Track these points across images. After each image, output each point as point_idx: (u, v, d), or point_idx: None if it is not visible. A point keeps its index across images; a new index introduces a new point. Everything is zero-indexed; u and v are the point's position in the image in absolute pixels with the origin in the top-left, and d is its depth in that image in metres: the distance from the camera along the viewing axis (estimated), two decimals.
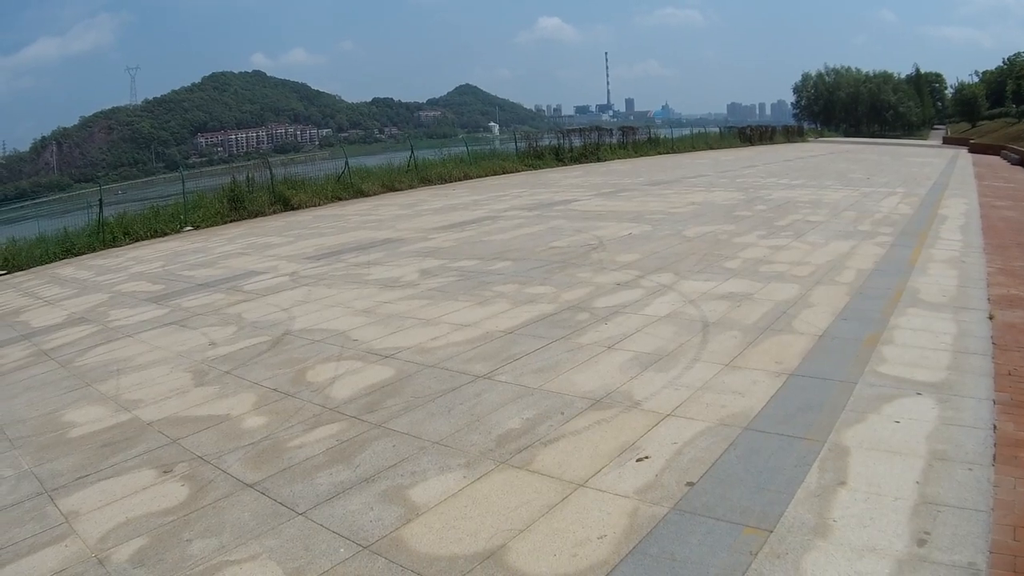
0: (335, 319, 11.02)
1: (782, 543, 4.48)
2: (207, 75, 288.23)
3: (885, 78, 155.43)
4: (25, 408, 8.63)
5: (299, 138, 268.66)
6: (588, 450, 5.92)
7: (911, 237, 15.18)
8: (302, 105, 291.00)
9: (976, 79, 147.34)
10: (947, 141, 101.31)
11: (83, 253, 24.61)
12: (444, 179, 37.72)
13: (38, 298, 17.02)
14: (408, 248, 17.15)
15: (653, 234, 16.66)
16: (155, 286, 15.98)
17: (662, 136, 63.01)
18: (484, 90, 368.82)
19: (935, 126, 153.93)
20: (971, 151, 66.73)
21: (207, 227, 27.23)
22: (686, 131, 74.19)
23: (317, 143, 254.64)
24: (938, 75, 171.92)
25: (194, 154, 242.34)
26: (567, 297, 11.10)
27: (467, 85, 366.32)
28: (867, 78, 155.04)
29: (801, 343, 8.18)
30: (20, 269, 23.28)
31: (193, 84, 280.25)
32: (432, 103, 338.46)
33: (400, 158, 39.94)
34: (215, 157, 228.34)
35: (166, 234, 26.47)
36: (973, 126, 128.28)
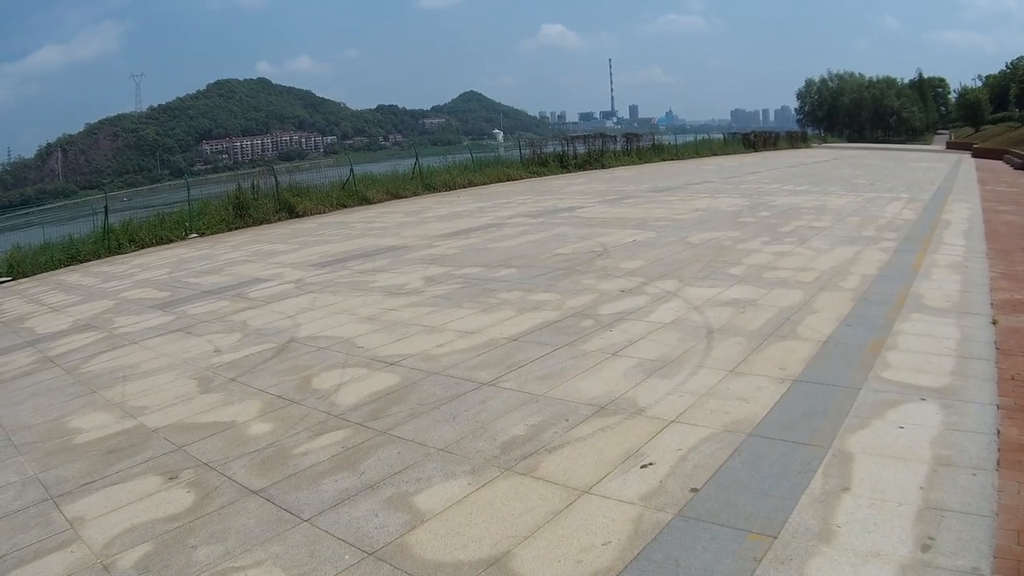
0: (340, 326, 11.03)
1: (786, 549, 4.48)
2: (212, 82, 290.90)
3: (888, 83, 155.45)
4: (30, 414, 8.65)
5: (304, 145, 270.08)
6: (593, 456, 5.92)
7: (915, 242, 15.17)
8: (307, 112, 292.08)
9: (979, 83, 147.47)
10: (951, 146, 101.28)
11: (88, 260, 24.67)
12: (449, 186, 37.81)
13: (43, 304, 17.05)
14: (413, 255, 17.18)
15: (657, 241, 16.67)
16: (160, 293, 16.04)
17: (666, 143, 63.15)
18: (488, 97, 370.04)
19: (939, 131, 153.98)
20: (974, 155, 66.80)
21: (212, 234, 27.33)
22: (690, 137, 74.36)
23: (322, 150, 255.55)
24: (941, 80, 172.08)
25: (199, 161, 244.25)
26: (572, 304, 11.11)
27: (471, 92, 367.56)
28: (870, 83, 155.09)
29: (805, 349, 8.18)
30: (25, 276, 23.33)
31: (198, 91, 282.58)
32: (436, 110, 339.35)
33: (405, 165, 40.06)
34: (220, 164, 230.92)
35: (171, 241, 26.52)
36: (977, 130, 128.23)
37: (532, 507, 5.23)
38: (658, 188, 31.41)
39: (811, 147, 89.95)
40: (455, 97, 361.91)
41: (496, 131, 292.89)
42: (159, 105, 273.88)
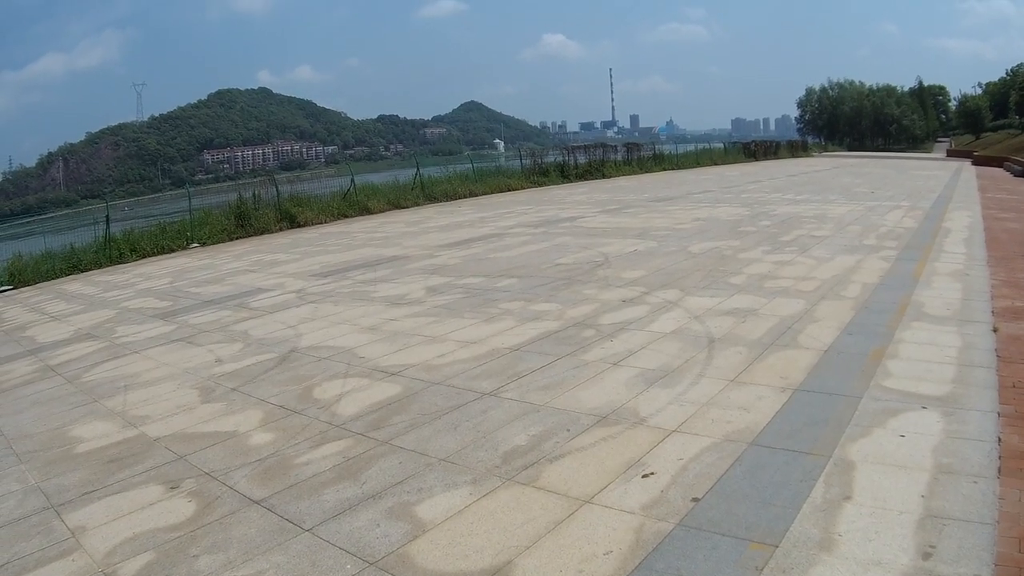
0: (342, 336, 11.05)
1: (787, 558, 4.49)
2: (213, 92, 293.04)
3: (888, 91, 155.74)
4: (32, 423, 8.67)
5: (305, 155, 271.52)
6: (594, 466, 5.93)
7: (915, 251, 15.18)
8: (308, 122, 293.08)
9: (979, 91, 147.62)
10: (951, 154, 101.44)
11: (90, 269, 24.84)
12: (450, 196, 37.95)
13: (44, 313, 17.11)
14: (414, 265, 17.22)
15: (658, 250, 16.69)
16: (162, 303, 16.09)
17: (667, 152, 63.46)
18: (489, 107, 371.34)
19: (939, 139, 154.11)
20: (975, 163, 66.85)
21: (213, 244, 27.48)
22: (690, 147, 74.74)
23: (323, 160, 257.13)
24: (941, 87, 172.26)
25: (200, 171, 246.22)
26: (573, 314, 11.11)
27: (472, 102, 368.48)
28: (870, 92, 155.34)
29: (806, 358, 8.18)
30: (27, 284, 23.43)
31: (199, 101, 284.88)
32: (437, 120, 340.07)
33: (406, 175, 40.23)
34: (221, 174, 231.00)
35: (173, 251, 26.70)
36: (977, 138, 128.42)
37: (533, 517, 5.23)
38: (659, 198, 31.49)
39: (812, 156, 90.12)
40: (456, 107, 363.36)
41: (497, 141, 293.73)
42: (160, 115, 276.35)
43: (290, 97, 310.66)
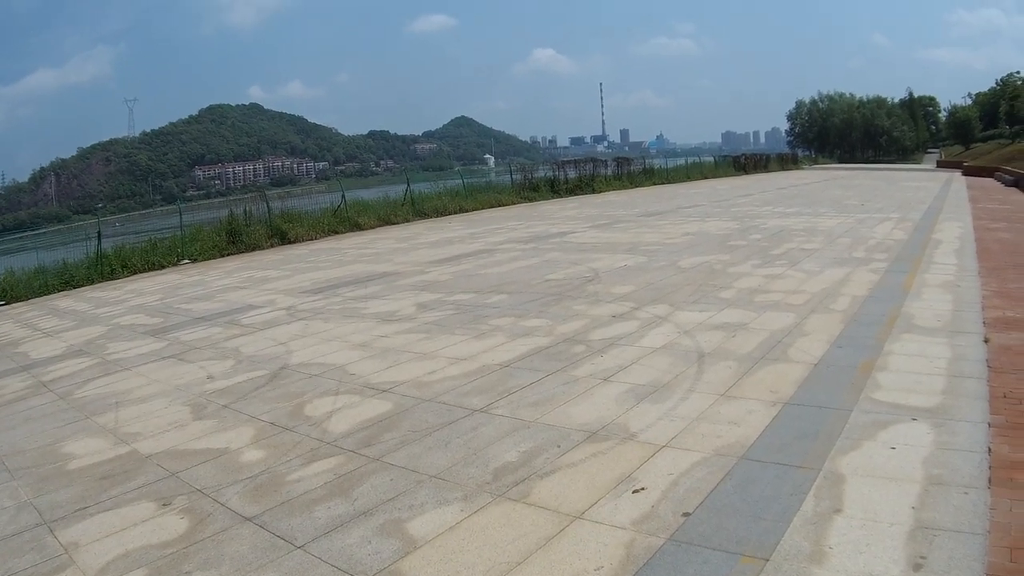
0: (332, 353, 11.08)
1: (778, 571, 4.53)
2: (204, 107, 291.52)
3: (879, 103, 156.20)
4: (24, 439, 8.68)
5: (296, 171, 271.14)
6: (585, 482, 5.96)
7: (906, 262, 15.28)
8: (299, 138, 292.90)
9: (969, 101, 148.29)
10: (941, 164, 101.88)
11: (82, 285, 24.82)
12: (440, 212, 37.94)
13: (37, 329, 17.10)
14: (405, 282, 17.24)
15: (648, 265, 16.76)
16: (153, 319, 16.12)
17: (657, 167, 63.57)
18: (479, 122, 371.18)
19: (929, 150, 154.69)
20: (965, 174, 67.17)
21: (205, 260, 27.46)
22: (681, 161, 74.89)
23: (314, 176, 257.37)
24: (931, 98, 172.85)
25: (191, 187, 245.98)
26: (563, 330, 11.15)
27: (463, 117, 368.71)
28: (861, 103, 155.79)
29: (796, 371, 8.23)
30: (19, 300, 23.44)
31: (190, 116, 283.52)
32: (428, 135, 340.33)
33: (396, 191, 40.22)
34: (212, 190, 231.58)
35: (164, 267, 26.68)
36: (967, 148, 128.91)
37: (524, 533, 5.26)
38: (649, 212, 31.61)
39: (802, 168, 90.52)
40: (446, 122, 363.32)
41: (487, 156, 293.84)
42: (152, 130, 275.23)
43: (281, 113, 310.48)
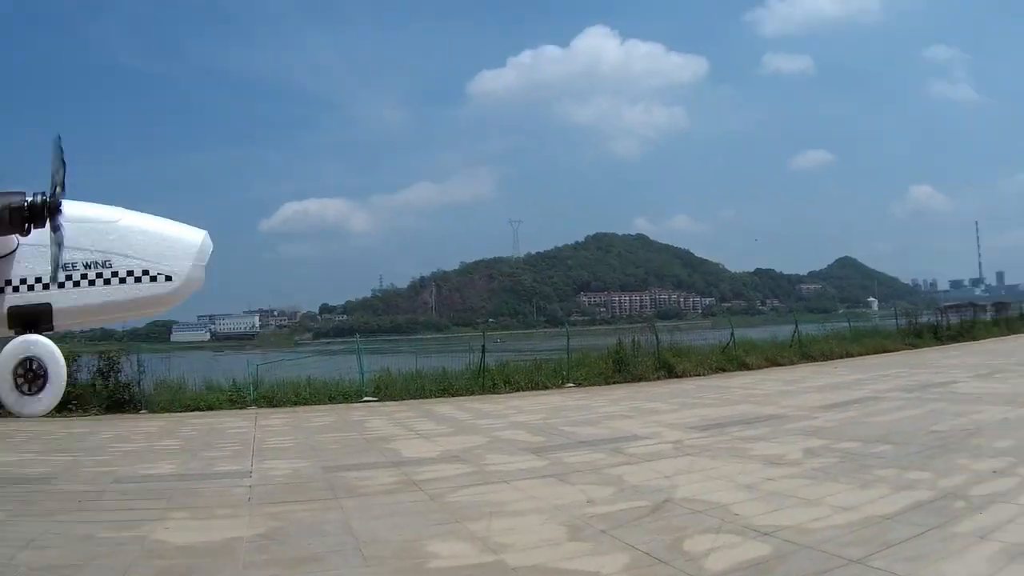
0: (717, 491, 11.16)
1: None
2: (590, 235, 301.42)
3: None
4: (387, 531, 9.43)
5: (682, 304, 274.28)
6: None
7: None
8: (685, 272, 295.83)
9: None
10: None
11: (460, 395, 26.56)
12: (826, 356, 37.62)
13: (411, 430, 18.58)
14: (791, 426, 17.16)
15: None
16: (535, 437, 16.90)
17: None
18: (863, 263, 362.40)
19: None
20: None
21: (589, 386, 28.49)
22: None
23: (700, 311, 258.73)
24: None
25: (576, 311, 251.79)
26: (945, 484, 10.74)
27: (847, 258, 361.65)
28: None
29: None
30: (391, 399, 25.46)
31: (576, 243, 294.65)
32: (812, 276, 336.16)
33: (782, 332, 40.62)
34: (597, 316, 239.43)
35: (547, 388, 27.91)
36: None
37: None
38: None
39: None
40: (830, 263, 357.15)
41: (871, 299, 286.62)
42: (536, 252, 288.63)
43: (667, 245, 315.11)
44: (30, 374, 7.40)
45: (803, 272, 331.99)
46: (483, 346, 29.43)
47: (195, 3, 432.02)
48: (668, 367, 30.84)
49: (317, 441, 17.80)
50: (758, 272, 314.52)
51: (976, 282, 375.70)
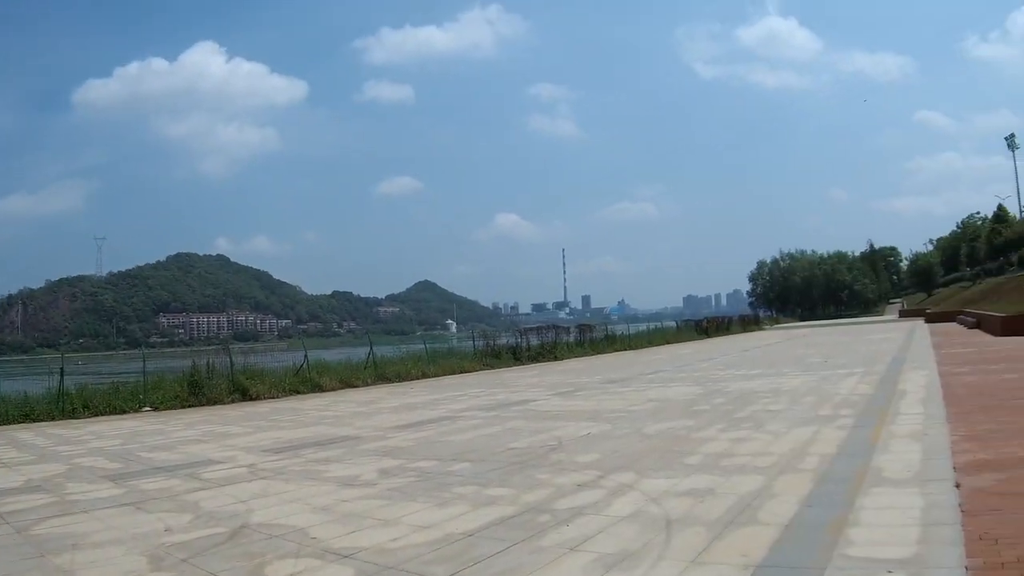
0: (294, 515, 10.92)
1: None
2: (172, 254, 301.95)
3: (839, 258, 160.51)
4: None
5: (259, 327, 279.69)
6: None
7: (872, 416, 15.55)
8: (263, 294, 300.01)
9: (930, 247, 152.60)
10: (904, 314, 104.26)
11: (42, 420, 25.47)
12: (402, 377, 38.13)
13: None
14: (367, 446, 17.14)
15: (612, 433, 16.77)
16: (113, 464, 16.20)
17: (619, 333, 64.78)
18: (442, 287, 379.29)
19: (891, 300, 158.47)
20: (928, 320, 68.94)
21: (166, 409, 27.79)
22: (643, 326, 76.16)
23: (276, 333, 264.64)
24: (892, 248, 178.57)
25: (155, 333, 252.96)
26: (528, 499, 11.06)
27: (426, 282, 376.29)
28: (821, 260, 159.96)
29: (767, 534, 8.25)
30: None
31: (158, 262, 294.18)
32: (391, 299, 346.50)
33: (358, 354, 41.18)
34: (176, 338, 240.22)
35: (125, 412, 27.11)
36: (929, 295, 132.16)
37: None
38: (611, 379, 31.72)
39: (764, 329, 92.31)
40: (410, 286, 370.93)
41: (449, 321, 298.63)
42: (119, 271, 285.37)
43: (247, 267, 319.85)
44: None
45: (382, 295, 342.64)
46: (61, 369, 28.34)
47: None
48: (243, 390, 30.59)
49: None
50: (336, 295, 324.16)
51: (560, 305, 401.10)
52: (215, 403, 29.20)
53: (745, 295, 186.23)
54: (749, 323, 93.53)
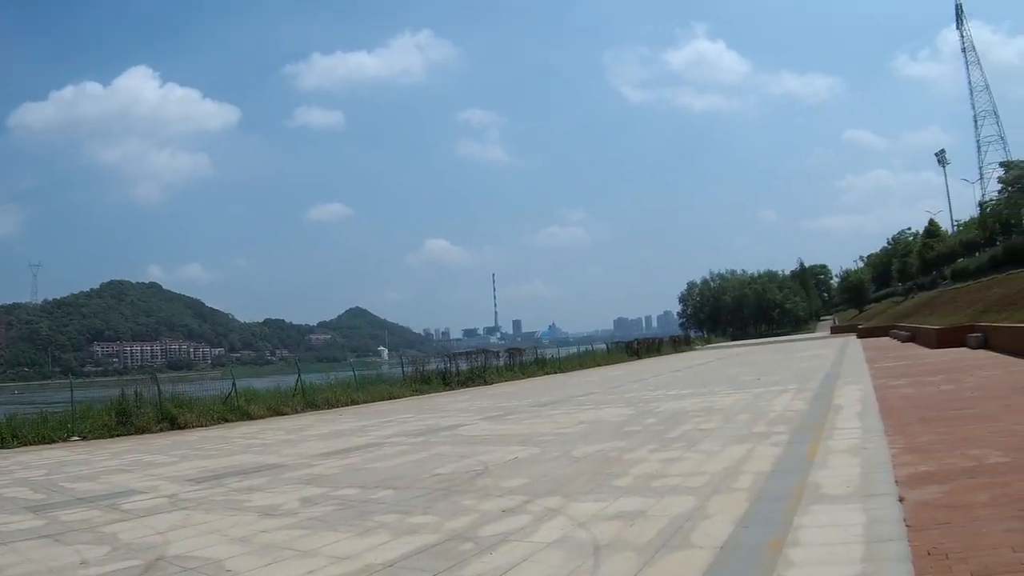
0: (211, 547, 10.54)
1: None
2: (106, 282, 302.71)
3: (770, 277, 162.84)
4: None
5: (192, 355, 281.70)
6: None
7: (807, 432, 15.48)
8: (196, 322, 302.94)
9: (861, 264, 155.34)
10: (835, 330, 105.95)
11: None
12: (331, 404, 37.82)
13: None
14: (291, 475, 16.77)
15: (541, 456, 16.46)
16: (36, 495, 15.94)
17: (549, 356, 65.25)
18: (374, 313, 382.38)
19: (823, 317, 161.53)
20: (860, 336, 70.07)
21: (95, 439, 27.46)
22: (573, 349, 76.25)
23: (210, 362, 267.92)
24: (823, 266, 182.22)
25: (90, 362, 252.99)
26: (451, 526, 10.70)
27: (358, 308, 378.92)
28: (752, 279, 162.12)
29: (701, 557, 7.91)
30: None
31: (92, 290, 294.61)
32: (323, 326, 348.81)
33: (288, 381, 40.68)
34: (110, 367, 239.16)
35: (54, 441, 26.90)
36: (861, 311, 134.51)
37: None
38: (541, 402, 31.53)
39: (695, 349, 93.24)
40: (341, 313, 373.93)
41: (381, 348, 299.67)
42: (54, 299, 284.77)
43: (179, 294, 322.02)
44: None
45: (314, 322, 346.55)
46: None
47: None
48: (171, 419, 30.28)
49: None
50: (268, 323, 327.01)
51: (491, 330, 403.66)
52: (144, 432, 28.84)
53: (676, 316, 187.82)
54: (680, 343, 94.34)
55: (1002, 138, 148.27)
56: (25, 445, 26.11)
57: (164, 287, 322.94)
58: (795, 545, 7.87)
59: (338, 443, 22.25)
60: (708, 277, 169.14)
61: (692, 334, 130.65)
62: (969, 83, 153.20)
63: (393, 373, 50.49)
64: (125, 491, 15.71)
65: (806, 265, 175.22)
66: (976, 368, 26.27)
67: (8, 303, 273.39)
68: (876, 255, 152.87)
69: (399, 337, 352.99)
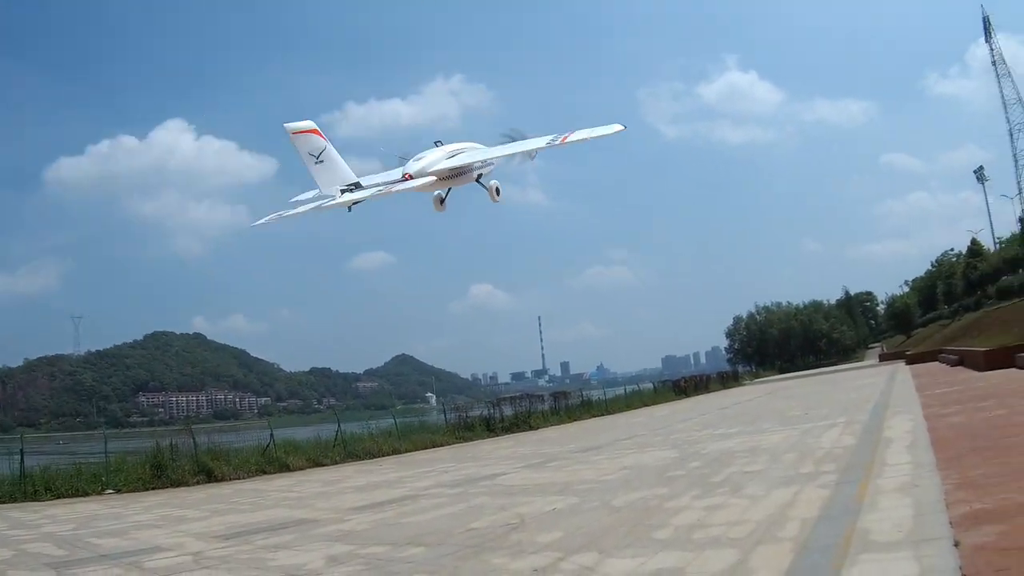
0: None
1: None
2: (149, 333, 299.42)
3: (816, 307, 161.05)
4: None
5: (238, 405, 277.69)
6: None
7: (856, 470, 14.94)
8: (241, 372, 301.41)
9: (907, 288, 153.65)
10: (884, 357, 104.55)
11: (4, 502, 25.35)
12: (372, 454, 37.57)
13: None
14: (320, 531, 16.42)
15: (580, 507, 15.90)
16: (59, 551, 15.88)
17: (595, 398, 65.14)
18: (420, 360, 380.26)
19: (870, 345, 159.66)
20: (909, 362, 68.86)
21: (129, 492, 27.48)
22: (620, 390, 75.57)
23: (256, 411, 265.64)
24: (868, 293, 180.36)
25: (136, 412, 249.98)
26: None
27: (404, 355, 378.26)
28: (797, 311, 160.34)
29: None
30: None
31: (135, 341, 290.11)
32: (370, 374, 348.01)
33: (329, 431, 40.42)
34: (156, 418, 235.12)
35: (88, 494, 26.84)
36: (908, 336, 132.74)
37: None
38: (585, 447, 31.04)
39: (743, 384, 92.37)
40: (388, 360, 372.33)
41: (428, 394, 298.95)
42: (97, 350, 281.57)
43: (224, 345, 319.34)
44: None
45: (360, 370, 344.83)
46: (21, 450, 28.40)
47: None
48: (208, 471, 30.04)
49: None
50: (314, 371, 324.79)
51: (539, 373, 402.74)
52: (180, 484, 28.69)
53: (723, 351, 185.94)
54: (728, 379, 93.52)
55: None
56: (59, 498, 26.07)
57: (208, 337, 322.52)
58: None
59: (374, 495, 21.95)
60: (754, 310, 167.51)
61: (740, 369, 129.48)
62: (1002, 97, 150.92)
63: (437, 420, 50.15)
64: (150, 548, 15.58)
65: (851, 293, 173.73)
66: None
67: (51, 354, 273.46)
68: (921, 279, 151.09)
69: (447, 383, 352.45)
